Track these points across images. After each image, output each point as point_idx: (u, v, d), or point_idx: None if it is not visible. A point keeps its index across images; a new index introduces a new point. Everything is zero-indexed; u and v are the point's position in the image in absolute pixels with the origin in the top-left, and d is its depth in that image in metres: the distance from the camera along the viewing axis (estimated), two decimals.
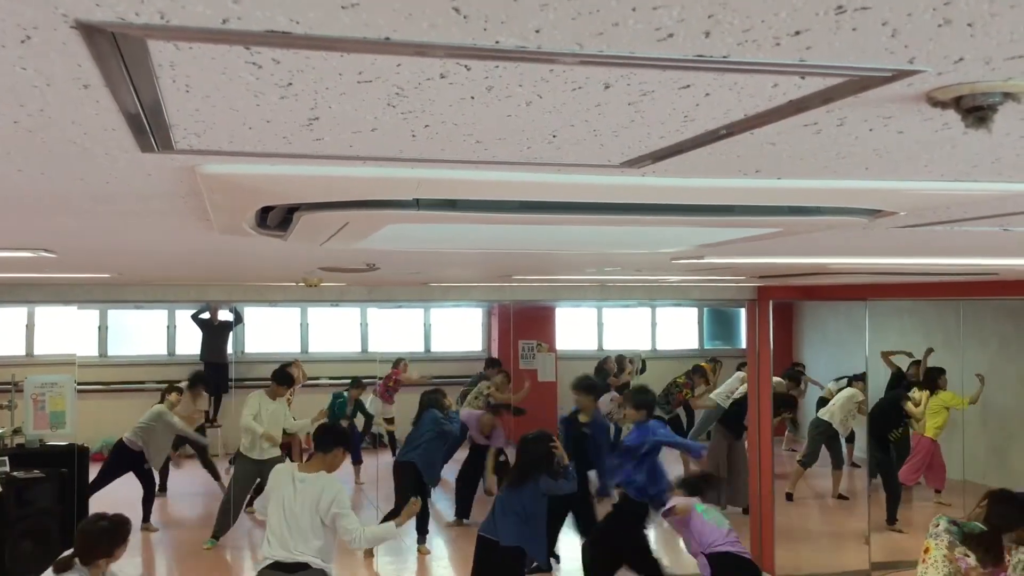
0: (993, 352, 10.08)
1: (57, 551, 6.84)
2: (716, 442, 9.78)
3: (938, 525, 4.39)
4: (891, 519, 9.18)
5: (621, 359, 12.22)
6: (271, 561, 4.97)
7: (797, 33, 0.84)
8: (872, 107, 1.14)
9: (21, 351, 11.86)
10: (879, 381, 10.12)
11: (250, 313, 12.49)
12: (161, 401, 9.25)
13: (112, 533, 4.40)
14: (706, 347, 13.76)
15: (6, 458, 6.91)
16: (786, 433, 11.74)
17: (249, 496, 8.64)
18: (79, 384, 8.60)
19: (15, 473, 6.81)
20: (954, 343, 10.00)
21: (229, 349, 11.87)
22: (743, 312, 9.03)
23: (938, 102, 1.08)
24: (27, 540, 6.78)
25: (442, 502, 9.96)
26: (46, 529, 6.90)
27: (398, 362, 11.48)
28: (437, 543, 8.85)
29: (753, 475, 8.37)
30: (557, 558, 7.69)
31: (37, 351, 11.88)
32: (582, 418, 7.44)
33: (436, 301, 10.97)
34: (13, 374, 9.10)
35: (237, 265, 4.75)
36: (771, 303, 8.13)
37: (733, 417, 9.76)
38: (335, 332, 13.00)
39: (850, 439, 10.67)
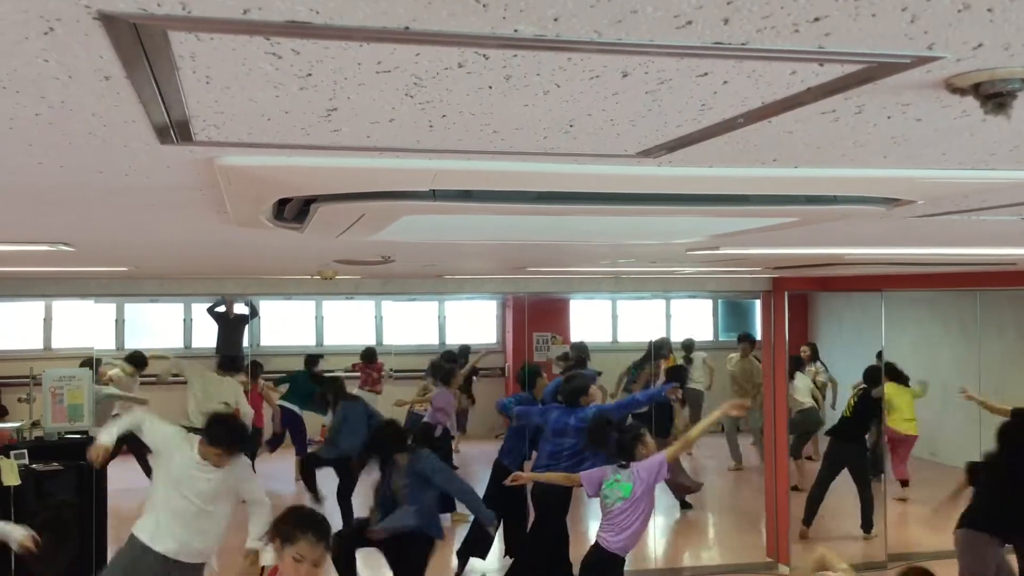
0: (1010, 342, 10.02)
1: (76, 543, 6.92)
2: None
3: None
4: (867, 527, 8.63)
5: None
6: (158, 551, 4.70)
7: (816, 19, 0.84)
8: (890, 94, 1.13)
9: (39, 345, 11.94)
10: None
11: (265, 306, 12.53)
12: None
13: None
14: (721, 339, 13.73)
15: (25, 451, 6.94)
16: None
17: None
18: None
19: (34, 466, 6.85)
20: (970, 333, 9.94)
21: (245, 342, 11.92)
22: (758, 303, 9.00)
23: (957, 89, 1.07)
24: (46, 532, 6.82)
25: None
26: (65, 521, 6.95)
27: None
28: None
29: (768, 469, 8.35)
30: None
31: (55, 344, 11.96)
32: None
33: (450, 293, 10.98)
34: (31, 367, 9.16)
35: (253, 258, 4.77)
36: (786, 294, 8.11)
37: (658, 416, 9.62)
38: (350, 325, 13.02)
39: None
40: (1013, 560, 5.76)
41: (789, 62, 0.98)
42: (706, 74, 1.03)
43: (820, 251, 4.35)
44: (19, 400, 9.25)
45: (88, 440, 7.32)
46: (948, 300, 10.51)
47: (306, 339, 12.82)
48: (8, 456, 6.78)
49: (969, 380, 9.65)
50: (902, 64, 0.99)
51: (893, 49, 0.94)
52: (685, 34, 0.88)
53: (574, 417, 6.65)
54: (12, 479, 6.55)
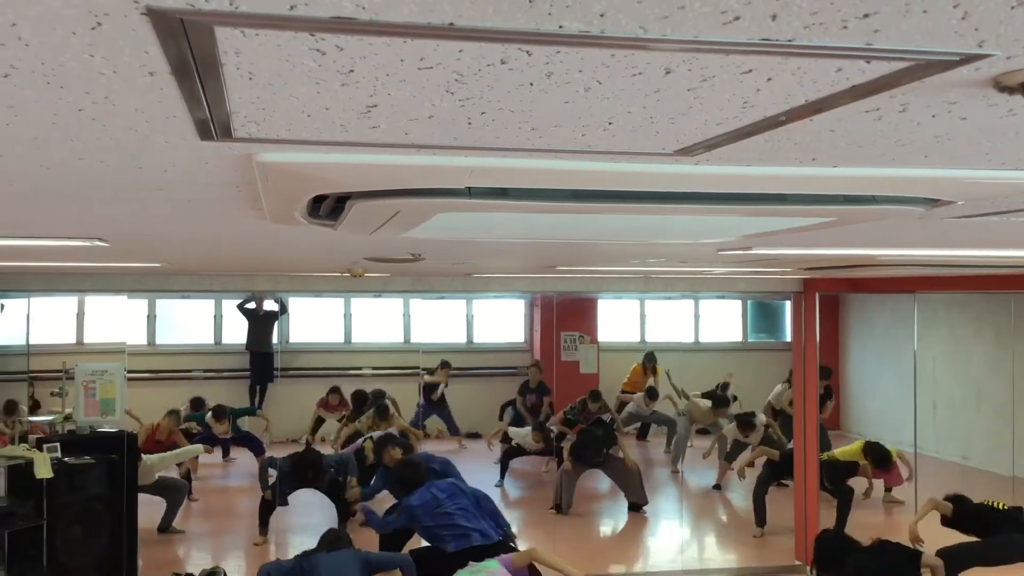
0: None
1: (107, 536, 6.99)
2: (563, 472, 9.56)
3: None
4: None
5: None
6: None
7: (866, 16, 0.83)
8: (937, 92, 1.12)
9: (72, 339, 12.06)
10: (925, 375, 9.96)
11: (295, 303, 12.61)
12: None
13: None
14: (750, 340, 13.65)
15: (57, 444, 7.02)
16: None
17: None
18: (128, 372, 8.73)
19: (66, 459, 6.93)
20: (1004, 337, 9.82)
21: (274, 339, 12.01)
22: (788, 304, 8.94)
23: (1005, 87, 1.06)
24: (77, 525, 6.91)
25: None
26: (96, 514, 7.02)
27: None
28: None
29: (798, 472, 8.29)
30: None
31: (87, 339, 12.08)
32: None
33: (479, 292, 10.99)
34: (64, 361, 9.25)
35: (285, 255, 4.80)
36: (817, 295, 8.04)
37: (579, 444, 9.59)
38: (378, 322, 13.08)
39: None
40: None
41: (836, 59, 0.97)
42: (750, 71, 1.02)
43: (855, 252, 4.31)
44: (52, 394, 9.35)
45: (120, 434, 7.41)
46: (982, 303, 10.39)
47: (335, 336, 12.88)
48: (41, 449, 6.86)
49: (1002, 384, 9.54)
50: (950, 61, 0.98)
51: (942, 46, 0.92)
52: (732, 30, 0.87)
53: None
54: (45, 472, 6.62)
